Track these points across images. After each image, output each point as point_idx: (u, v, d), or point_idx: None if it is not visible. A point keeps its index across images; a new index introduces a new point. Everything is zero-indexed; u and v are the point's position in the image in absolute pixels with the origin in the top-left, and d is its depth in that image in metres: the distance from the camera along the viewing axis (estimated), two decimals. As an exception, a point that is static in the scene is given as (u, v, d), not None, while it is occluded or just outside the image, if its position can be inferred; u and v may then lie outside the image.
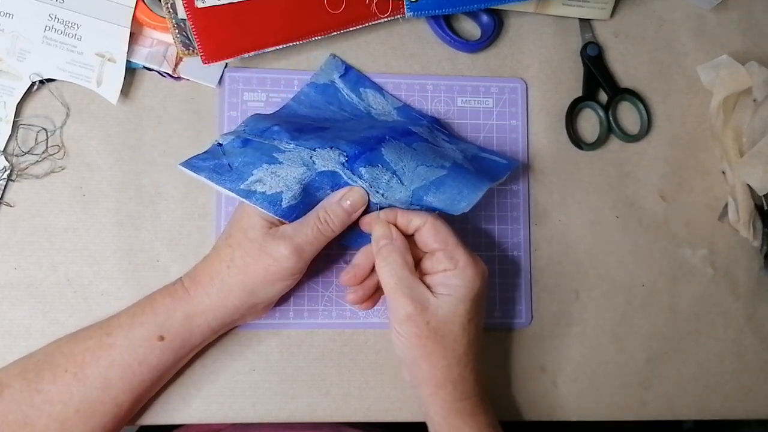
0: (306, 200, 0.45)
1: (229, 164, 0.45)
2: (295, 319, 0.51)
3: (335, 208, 0.44)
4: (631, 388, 0.54)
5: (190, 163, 0.45)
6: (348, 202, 0.45)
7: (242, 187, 0.44)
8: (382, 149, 0.45)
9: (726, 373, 0.55)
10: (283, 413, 0.51)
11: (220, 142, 0.46)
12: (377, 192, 0.45)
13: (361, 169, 0.45)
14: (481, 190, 0.45)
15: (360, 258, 0.46)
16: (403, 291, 0.43)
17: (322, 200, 0.45)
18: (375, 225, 0.45)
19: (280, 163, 0.44)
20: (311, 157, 0.45)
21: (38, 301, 0.49)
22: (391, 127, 0.49)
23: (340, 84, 0.53)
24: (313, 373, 0.51)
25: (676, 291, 0.56)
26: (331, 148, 0.45)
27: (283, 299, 0.51)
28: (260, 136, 0.46)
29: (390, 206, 0.46)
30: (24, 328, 0.49)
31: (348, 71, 0.54)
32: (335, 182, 0.45)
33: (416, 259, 0.45)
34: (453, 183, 0.45)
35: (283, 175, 0.44)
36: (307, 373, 0.51)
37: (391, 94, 0.54)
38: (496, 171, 0.50)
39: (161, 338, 0.44)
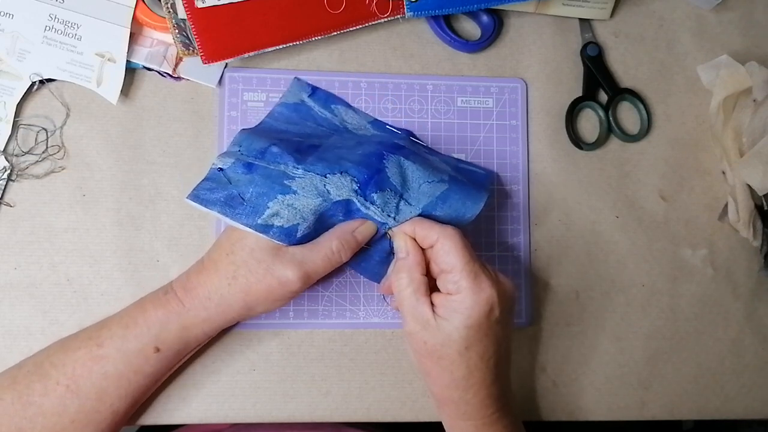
0: (317, 227, 0.45)
1: (240, 195, 0.43)
2: (295, 319, 0.51)
3: (349, 239, 0.45)
4: (631, 388, 0.54)
5: (198, 196, 0.44)
6: (360, 236, 0.45)
7: (259, 222, 0.43)
8: (387, 170, 0.45)
9: (726, 373, 0.55)
10: (283, 413, 0.51)
11: (221, 166, 0.45)
12: (389, 216, 0.45)
13: (373, 194, 0.44)
14: (482, 199, 0.47)
15: (391, 269, 0.47)
16: (406, 308, 0.43)
17: (332, 225, 0.45)
18: (395, 237, 0.45)
19: (294, 192, 0.43)
20: (325, 185, 0.44)
21: (38, 301, 0.49)
22: (378, 141, 0.48)
23: (310, 102, 0.52)
24: (313, 373, 0.51)
25: (676, 291, 0.56)
26: (342, 173, 0.44)
27: (283, 299, 0.51)
28: (261, 158, 0.45)
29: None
30: (24, 328, 0.49)
31: (315, 91, 0.53)
32: (348, 208, 0.45)
33: (436, 273, 0.45)
34: (456, 196, 0.46)
35: (300, 207, 0.43)
36: (307, 373, 0.51)
37: (362, 110, 0.53)
38: (481, 180, 0.50)
39: (157, 350, 0.43)
